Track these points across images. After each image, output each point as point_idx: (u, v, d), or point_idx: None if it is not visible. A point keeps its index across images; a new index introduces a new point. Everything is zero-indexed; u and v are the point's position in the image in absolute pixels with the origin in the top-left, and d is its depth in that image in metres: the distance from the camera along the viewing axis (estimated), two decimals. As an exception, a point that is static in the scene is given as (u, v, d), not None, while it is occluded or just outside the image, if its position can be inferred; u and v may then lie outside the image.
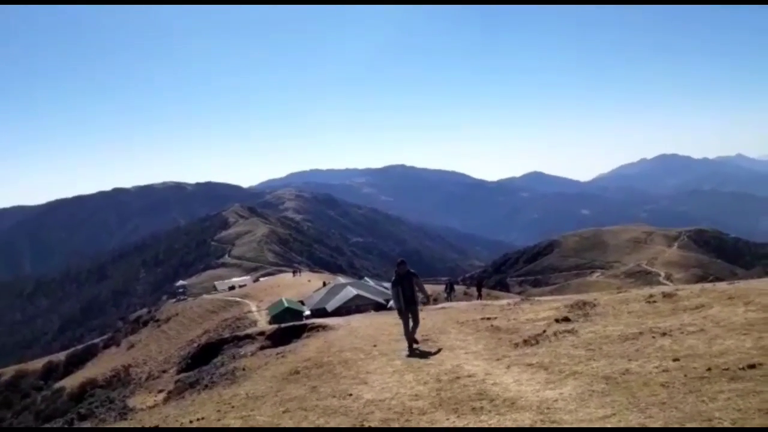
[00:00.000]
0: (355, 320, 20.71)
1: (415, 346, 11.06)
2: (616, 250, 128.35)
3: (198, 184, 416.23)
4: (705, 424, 4.34)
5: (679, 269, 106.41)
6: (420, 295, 11.73)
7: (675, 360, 6.43)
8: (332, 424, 6.22)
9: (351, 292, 50.91)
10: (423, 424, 5.70)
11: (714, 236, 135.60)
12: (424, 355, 10.02)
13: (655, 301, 11.71)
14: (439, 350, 9.97)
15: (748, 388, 4.96)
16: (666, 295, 12.23)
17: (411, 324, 11.39)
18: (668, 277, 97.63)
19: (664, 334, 8.04)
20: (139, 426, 7.90)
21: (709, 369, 5.80)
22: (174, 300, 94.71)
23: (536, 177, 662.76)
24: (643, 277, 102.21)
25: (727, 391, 4.99)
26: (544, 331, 10.27)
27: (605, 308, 12.00)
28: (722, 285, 13.26)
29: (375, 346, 12.30)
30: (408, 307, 11.34)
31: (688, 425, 4.38)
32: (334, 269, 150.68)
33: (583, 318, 11.28)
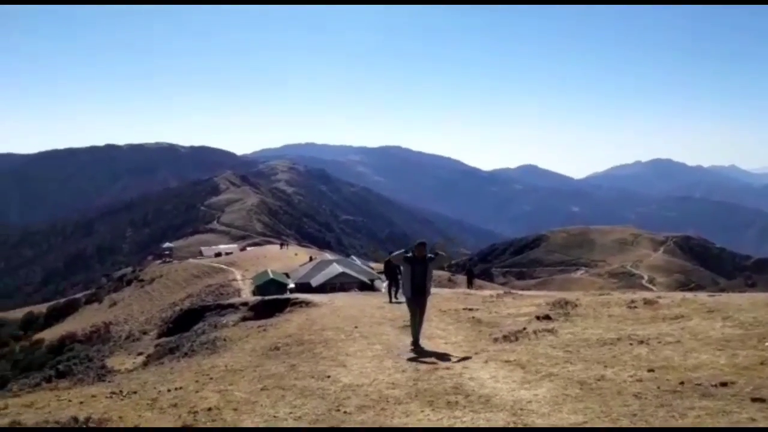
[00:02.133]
0: (339, 299, 20.83)
1: (421, 342, 9.71)
2: (602, 249, 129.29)
3: (192, 148, 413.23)
4: (673, 440, 4.43)
5: (662, 273, 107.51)
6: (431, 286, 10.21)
7: (650, 370, 6.53)
8: (308, 407, 6.28)
9: (337, 269, 50.96)
10: (398, 414, 5.77)
11: (699, 244, 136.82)
12: (424, 354, 9.52)
13: (636, 307, 11.85)
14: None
15: (718, 407, 5.06)
16: (647, 302, 12.37)
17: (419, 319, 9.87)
18: (651, 281, 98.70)
19: (641, 342, 8.15)
20: (117, 390, 7.94)
21: (682, 383, 5.90)
22: (159, 261, 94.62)
23: (530, 170, 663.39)
24: (626, 278, 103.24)
25: (697, 408, 5.09)
26: (525, 328, 10.38)
27: (586, 309, 12.13)
28: (703, 296, 13.41)
29: (356, 327, 12.40)
30: (416, 298, 9.80)
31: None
32: (322, 245, 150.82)
33: (564, 317, 11.40)
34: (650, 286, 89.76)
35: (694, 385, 5.78)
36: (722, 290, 57.19)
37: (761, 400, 5.11)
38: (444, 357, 8.69)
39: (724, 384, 5.69)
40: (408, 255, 9.82)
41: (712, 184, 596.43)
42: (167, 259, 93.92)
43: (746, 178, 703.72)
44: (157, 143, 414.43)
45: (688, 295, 14.37)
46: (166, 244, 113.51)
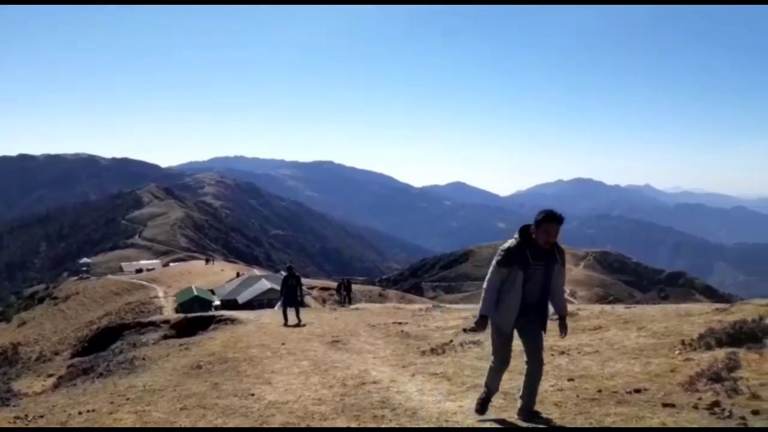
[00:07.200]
0: (267, 315, 20.40)
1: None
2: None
3: (113, 159, 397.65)
4: (590, 447, 4.56)
5: (583, 287, 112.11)
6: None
7: (570, 380, 6.73)
8: (230, 425, 6.06)
9: (265, 285, 50.12)
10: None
11: (617, 259, 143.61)
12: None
13: (557, 319, 12.24)
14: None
15: (632, 412, 5.26)
16: (568, 314, 12.82)
17: (527, 364, 5.46)
18: (573, 294, 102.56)
19: (562, 352, 8.40)
20: (23, 415, 7.38)
21: (599, 391, 6.11)
22: (76, 278, 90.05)
23: (459, 187, 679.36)
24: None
25: (613, 414, 5.27)
26: (452, 341, 10.50)
27: (511, 322, 12.41)
28: (620, 308, 14.04)
29: (283, 344, 12.16)
30: (528, 326, 5.51)
31: (575, 447, 4.59)
32: (250, 260, 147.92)
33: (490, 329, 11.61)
34: (572, 299, 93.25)
35: (610, 393, 6.00)
36: (638, 302, 60.25)
37: (671, 405, 5.36)
38: None
39: (638, 391, 5.94)
40: (511, 247, 5.23)
41: (629, 202, 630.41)
42: (84, 276, 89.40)
43: (660, 197, 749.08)
44: (76, 154, 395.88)
45: (607, 307, 15.03)
46: (84, 260, 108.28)
